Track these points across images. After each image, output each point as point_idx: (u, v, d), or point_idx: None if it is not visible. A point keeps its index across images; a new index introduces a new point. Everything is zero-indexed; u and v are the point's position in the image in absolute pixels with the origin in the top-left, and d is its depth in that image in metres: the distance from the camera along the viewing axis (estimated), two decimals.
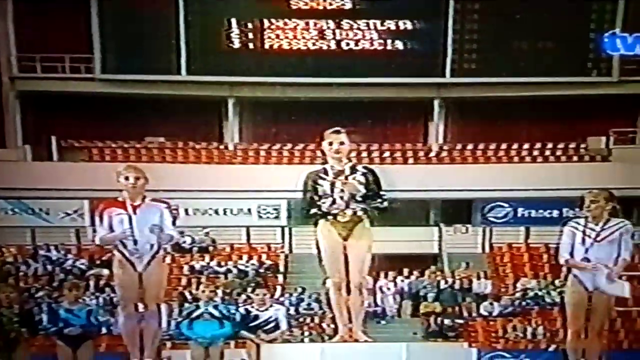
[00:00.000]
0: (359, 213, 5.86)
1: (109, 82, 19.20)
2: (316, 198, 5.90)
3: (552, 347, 16.64)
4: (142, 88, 19.00)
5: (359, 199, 5.86)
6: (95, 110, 19.17)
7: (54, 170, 18.88)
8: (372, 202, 5.85)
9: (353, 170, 5.92)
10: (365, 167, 5.98)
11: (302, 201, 5.98)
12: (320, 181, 5.90)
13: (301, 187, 5.98)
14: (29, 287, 17.83)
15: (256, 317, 8.59)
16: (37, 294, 17.35)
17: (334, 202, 5.87)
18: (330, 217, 5.90)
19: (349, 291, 5.96)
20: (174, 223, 6.27)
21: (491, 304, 18.37)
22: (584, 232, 6.21)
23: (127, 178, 6.15)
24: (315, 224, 5.96)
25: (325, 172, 5.94)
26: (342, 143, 5.88)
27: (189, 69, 19.12)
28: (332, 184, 5.86)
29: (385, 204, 5.87)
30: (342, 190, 5.84)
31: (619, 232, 6.18)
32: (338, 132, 5.91)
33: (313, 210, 5.90)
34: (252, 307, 8.78)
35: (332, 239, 5.92)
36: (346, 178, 5.88)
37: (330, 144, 5.89)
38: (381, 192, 5.90)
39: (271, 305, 8.78)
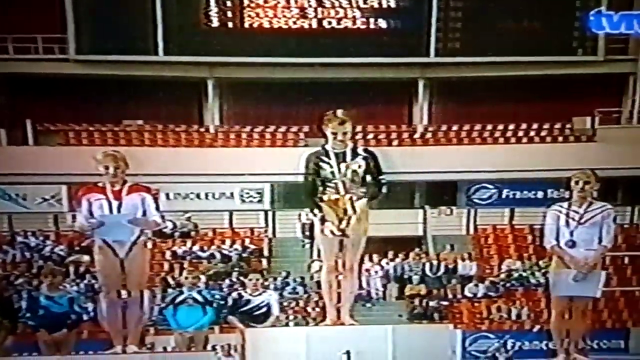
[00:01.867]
0: (359, 197, 5.83)
1: (84, 63, 18.78)
2: (318, 182, 5.86)
3: (536, 328, 16.75)
4: (118, 69, 18.63)
5: (359, 183, 5.84)
6: (70, 93, 18.77)
7: (30, 155, 18.51)
8: (371, 188, 5.83)
9: (354, 153, 5.88)
10: (366, 151, 5.94)
11: (303, 185, 5.95)
12: (322, 164, 5.87)
13: (302, 169, 5.93)
14: (7, 274, 17.52)
15: (248, 301, 8.52)
16: (16, 281, 17.05)
17: (335, 186, 5.84)
18: (330, 201, 5.84)
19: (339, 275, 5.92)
20: (157, 208, 6.15)
21: (476, 285, 18.44)
22: (567, 214, 6.22)
23: (106, 167, 6.04)
24: (314, 207, 5.87)
25: (326, 154, 5.89)
26: (345, 133, 5.83)
27: (167, 49, 18.76)
28: (334, 167, 5.83)
29: (384, 189, 5.86)
30: (344, 175, 5.80)
31: (602, 215, 6.21)
32: (343, 122, 5.83)
33: (315, 196, 5.86)
34: (245, 291, 8.72)
35: (331, 222, 5.87)
36: (345, 161, 5.83)
37: (335, 134, 5.84)
38: (380, 177, 5.87)
39: (264, 291, 8.71)
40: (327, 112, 5.91)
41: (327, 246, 5.92)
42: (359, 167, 5.79)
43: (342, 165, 5.80)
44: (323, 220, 5.85)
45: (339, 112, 5.87)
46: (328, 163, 5.82)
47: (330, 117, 5.85)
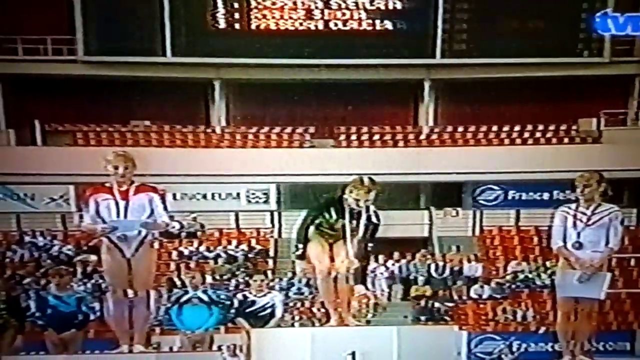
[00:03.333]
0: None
1: (92, 64, 18.89)
2: (318, 221, 6.00)
3: (542, 330, 16.71)
4: (125, 70, 18.72)
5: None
6: (78, 93, 18.86)
7: (39, 155, 18.60)
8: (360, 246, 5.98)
9: (367, 210, 6.00)
10: (375, 215, 6.01)
11: (305, 217, 6.07)
12: (332, 211, 5.98)
13: (320, 202, 6.11)
14: (16, 273, 17.61)
15: (253, 302, 8.57)
16: (24, 280, 17.14)
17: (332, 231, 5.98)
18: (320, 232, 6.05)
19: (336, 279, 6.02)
20: (165, 208, 6.17)
21: (481, 286, 18.40)
22: (575, 215, 6.25)
23: (116, 168, 6.06)
24: (306, 230, 6.06)
25: (341, 206, 5.99)
26: (368, 200, 5.95)
27: (174, 51, 18.84)
28: (343, 220, 5.97)
29: (369, 254, 6.04)
30: (353, 229, 5.92)
31: (609, 217, 6.23)
32: (369, 191, 5.94)
33: (312, 229, 6.02)
34: (250, 292, 8.79)
35: (319, 241, 6.07)
36: (358, 220, 5.93)
37: (357, 201, 5.95)
38: (370, 243, 6.04)
39: (269, 292, 8.75)
40: (355, 179, 5.96)
41: (316, 254, 6.03)
42: (364, 225, 5.95)
43: (352, 222, 5.92)
44: (302, 256, 5.99)
45: (366, 180, 5.98)
46: (337, 214, 5.94)
47: (357, 185, 5.94)
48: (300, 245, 5.98)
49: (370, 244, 6.01)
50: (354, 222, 5.90)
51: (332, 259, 5.99)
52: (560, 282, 6.35)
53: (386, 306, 17.51)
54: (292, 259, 18.74)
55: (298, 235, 6.04)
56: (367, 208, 5.95)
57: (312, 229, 5.97)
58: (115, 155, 6.13)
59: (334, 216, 5.94)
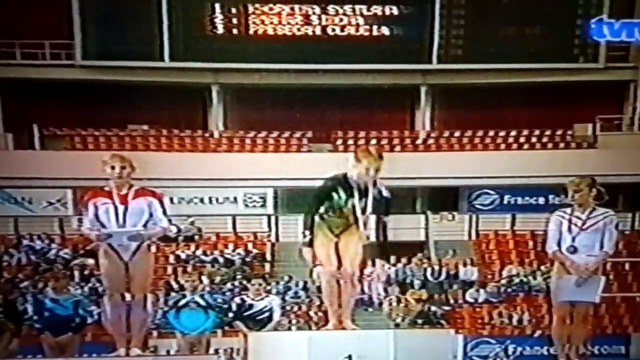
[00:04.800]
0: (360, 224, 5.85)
1: (90, 69, 18.93)
2: (326, 205, 5.81)
3: (537, 333, 16.75)
4: (124, 75, 18.75)
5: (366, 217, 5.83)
6: (76, 98, 18.91)
7: (37, 159, 18.63)
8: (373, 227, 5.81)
9: (374, 185, 5.79)
10: (384, 189, 5.82)
11: (311, 202, 5.90)
12: (340, 191, 5.80)
13: (318, 188, 5.89)
14: (13, 277, 17.62)
15: (251, 306, 8.60)
16: (22, 284, 17.15)
17: (341, 214, 5.80)
18: (327, 219, 5.87)
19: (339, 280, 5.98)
20: (165, 212, 6.15)
21: (477, 290, 18.45)
22: (570, 220, 6.24)
23: (112, 167, 6.03)
24: (311, 221, 5.89)
25: (347, 184, 5.80)
26: (377, 169, 5.72)
27: (172, 55, 18.90)
28: (352, 198, 5.77)
29: (387, 231, 5.82)
30: (363, 207, 5.74)
31: (604, 221, 6.22)
32: (379, 157, 5.72)
33: (317, 218, 5.84)
34: (248, 296, 8.80)
35: (325, 235, 5.90)
36: (366, 195, 5.76)
37: (368, 170, 5.72)
38: (385, 218, 5.83)
39: (266, 295, 8.79)
40: (362, 146, 5.95)
41: (323, 255, 5.92)
42: (374, 199, 5.73)
43: (362, 200, 5.73)
44: (310, 244, 5.82)
45: (372, 149, 5.83)
46: (346, 193, 5.75)
47: (365, 153, 5.74)
48: (307, 232, 5.77)
49: (386, 221, 5.77)
50: (363, 199, 5.68)
51: (339, 258, 5.83)
52: (555, 286, 6.37)
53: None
54: (289, 263, 18.89)
55: (305, 221, 5.81)
56: (375, 183, 5.74)
57: (317, 219, 5.77)
58: (111, 155, 6.12)
59: (343, 196, 5.72)
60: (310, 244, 5.82)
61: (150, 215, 6.10)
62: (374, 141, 19.68)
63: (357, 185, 5.74)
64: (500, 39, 18.96)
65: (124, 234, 6.01)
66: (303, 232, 5.85)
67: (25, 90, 18.92)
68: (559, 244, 6.27)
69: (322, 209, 5.81)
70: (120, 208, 6.06)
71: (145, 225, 6.09)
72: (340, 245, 5.90)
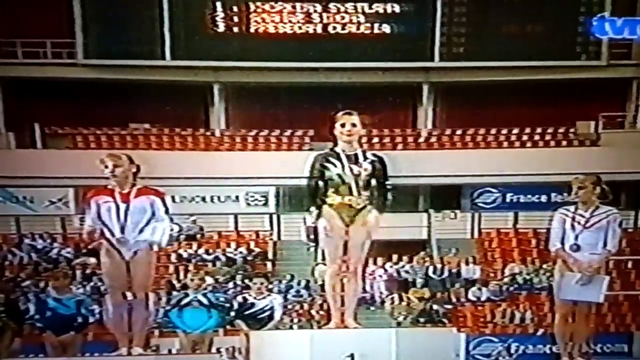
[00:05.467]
0: (364, 200, 5.83)
1: (92, 68, 18.91)
2: (321, 184, 5.84)
3: (540, 332, 16.74)
4: (125, 73, 18.72)
5: (364, 187, 5.82)
6: (78, 96, 18.88)
7: (38, 158, 18.61)
8: (374, 196, 5.81)
9: (364, 156, 5.86)
10: (374, 155, 5.93)
11: (307, 187, 5.92)
12: (328, 165, 5.84)
13: (307, 171, 5.91)
14: (15, 276, 17.62)
15: (252, 305, 8.60)
16: (24, 283, 17.15)
17: (338, 189, 5.79)
18: (335, 203, 5.84)
19: (343, 278, 5.96)
20: (167, 212, 6.18)
21: (479, 289, 18.43)
22: (573, 218, 6.25)
23: (106, 166, 6.08)
24: (318, 209, 5.88)
25: (336, 156, 5.86)
26: (354, 125, 5.82)
27: (173, 54, 18.87)
28: (342, 169, 5.80)
29: (389, 195, 5.84)
30: (352, 177, 5.76)
31: (607, 219, 6.23)
32: (350, 113, 5.86)
33: (318, 199, 5.85)
34: (250, 295, 8.81)
35: (335, 225, 5.85)
36: (357, 163, 5.80)
37: (343, 125, 5.83)
38: (386, 184, 5.86)
39: (268, 294, 8.78)
40: (340, 114, 5.91)
41: (331, 249, 5.92)
42: (365, 170, 5.77)
43: (352, 167, 5.76)
44: (318, 216, 5.81)
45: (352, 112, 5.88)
46: (335, 164, 5.78)
47: (337, 114, 5.88)
48: (314, 208, 5.78)
49: (387, 186, 5.79)
50: (355, 168, 5.72)
51: (345, 253, 5.80)
52: (558, 285, 6.36)
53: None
54: (291, 261, 18.88)
55: (309, 194, 5.84)
56: (364, 153, 5.81)
57: (325, 207, 5.70)
58: (107, 154, 6.17)
59: (335, 167, 5.74)
60: (319, 215, 5.78)
61: (153, 214, 6.10)
62: (376, 139, 19.68)
63: (346, 156, 5.79)
64: (503, 37, 18.90)
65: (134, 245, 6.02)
66: (309, 209, 5.83)
67: (27, 89, 18.90)
68: (562, 242, 6.29)
69: (321, 185, 5.78)
70: (122, 207, 6.09)
71: (147, 224, 6.08)
72: (350, 235, 5.86)
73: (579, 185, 6.26)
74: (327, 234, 5.87)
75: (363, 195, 5.78)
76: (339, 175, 5.76)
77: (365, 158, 5.81)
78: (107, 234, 6.12)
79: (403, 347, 5.70)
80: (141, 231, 6.11)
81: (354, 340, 5.72)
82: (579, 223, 6.21)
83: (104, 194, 6.10)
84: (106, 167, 6.03)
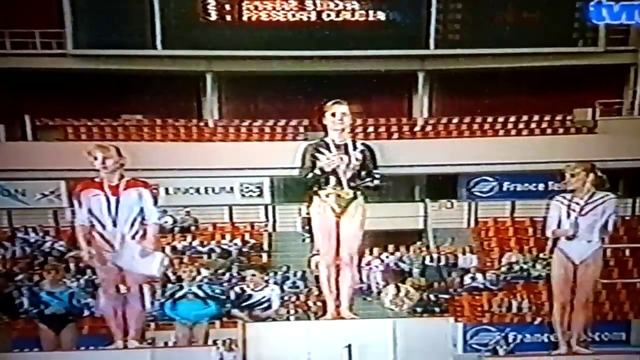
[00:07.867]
0: (353, 190, 5.85)
1: (82, 58, 18.68)
2: (312, 174, 5.86)
3: (537, 321, 16.73)
4: (116, 63, 18.52)
5: (354, 176, 5.84)
6: (68, 87, 18.69)
7: (29, 150, 18.43)
8: (363, 181, 5.82)
9: (354, 145, 5.88)
10: (363, 144, 5.95)
11: (299, 177, 5.95)
12: (319, 155, 5.85)
13: (299, 161, 5.93)
14: (8, 270, 17.49)
15: (250, 296, 8.55)
16: (17, 277, 17.03)
17: (329, 178, 5.81)
18: (326, 194, 5.82)
19: (337, 269, 5.91)
20: (155, 203, 6.11)
21: (476, 278, 18.38)
22: (569, 206, 6.27)
23: (95, 158, 6.01)
24: (310, 200, 5.84)
25: (326, 146, 5.89)
26: (344, 114, 5.85)
27: (165, 43, 18.66)
28: (332, 159, 5.82)
29: (376, 182, 5.86)
30: (347, 165, 5.77)
31: (602, 206, 6.24)
32: (340, 102, 5.91)
33: (310, 188, 5.87)
34: (248, 286, 8.80)
35: (326, 216, 5.82)
36: (347, 153, 5.79)
37: (333, 114, 5.87)
38: (375, 171, 5.87)
39: (266, 286, 8.75)
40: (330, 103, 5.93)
41: (323, 240, 5.89)
42: (356, 159, 5.77)
43: (342, 157, 5.78)
44: (310, 201, 5.81)
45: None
46: (325, 154, 5.80)
47: (326, 104, 5.90)
48: (310, 175, 5.76)
49: (377, 175, 5.78)
50: (345, 157, 5.75)
51: (338, 243, 5.78)
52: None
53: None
54: (287, 252, 18.77)
55: (302, 184, 5.86)
56: (354, 142, 5.83)
57: (316, 199, 5.72)
58: (95, 146, 6.11)
59: (325, 156, 5.77)
60: (309, 207, 5.81)
61: (142, 207, 6.00)
62: (371, 128, 19.56)
63: (336, 145, 5.81)
64: (499, 24, 18.76)
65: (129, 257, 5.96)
66: (304, 200, 5.81)
67: (16, 81, 18.67)
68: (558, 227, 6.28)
69: (311, 175, 5.78)
70: (112, 199, 6.03)
71: (136, 218, 6.02)
72: (341, 227, 5.83)
73: (570, 172, 6.26)
74: (318, 225, 5.79)
75: (353, 186, 5.73)
76: (329, 165, 5.75)
77: (355, 147, 5.84)
78: (99, 228, 6.07)
79: (401, 337, 5.68)
80: (132, 225, 6.01)
81: (351, 331, 5.70)
82: (574, 210, 6.22)
83: (93, 187, 6.03)
84: (95, 158, 5.97)
